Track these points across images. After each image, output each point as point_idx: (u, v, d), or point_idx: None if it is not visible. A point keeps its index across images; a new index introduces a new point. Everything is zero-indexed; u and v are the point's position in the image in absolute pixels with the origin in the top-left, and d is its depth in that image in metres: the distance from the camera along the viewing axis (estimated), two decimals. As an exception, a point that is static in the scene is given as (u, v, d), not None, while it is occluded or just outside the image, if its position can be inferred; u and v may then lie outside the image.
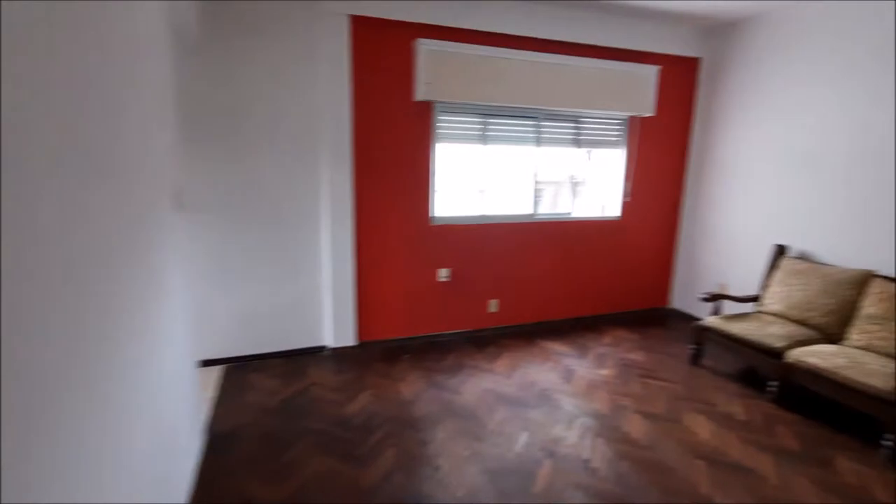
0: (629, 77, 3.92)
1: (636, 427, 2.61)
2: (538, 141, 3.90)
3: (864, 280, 3.01)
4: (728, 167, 4.07)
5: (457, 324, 3.91)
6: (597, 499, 2.04)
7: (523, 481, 2.15)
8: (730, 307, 3.63)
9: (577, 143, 4.06)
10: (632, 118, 4.13)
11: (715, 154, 4.18)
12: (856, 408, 2.51)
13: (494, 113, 3.70)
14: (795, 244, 3.53)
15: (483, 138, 3.72)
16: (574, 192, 4.17)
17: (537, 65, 3.62)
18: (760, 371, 3.07)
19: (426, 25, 3.33)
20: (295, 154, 3.26)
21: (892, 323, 2.73)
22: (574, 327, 4.17)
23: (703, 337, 3.39)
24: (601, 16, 3.71)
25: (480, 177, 3.81)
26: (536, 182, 3.96)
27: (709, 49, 4.15)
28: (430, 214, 3.65)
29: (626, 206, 4.29)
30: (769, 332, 3.01)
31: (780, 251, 3.56)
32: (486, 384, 3.08)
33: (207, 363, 3.23)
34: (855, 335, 2.89)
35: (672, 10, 3.60)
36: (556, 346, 3.74)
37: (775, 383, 2.92)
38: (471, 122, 3.68)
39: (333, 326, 3.49)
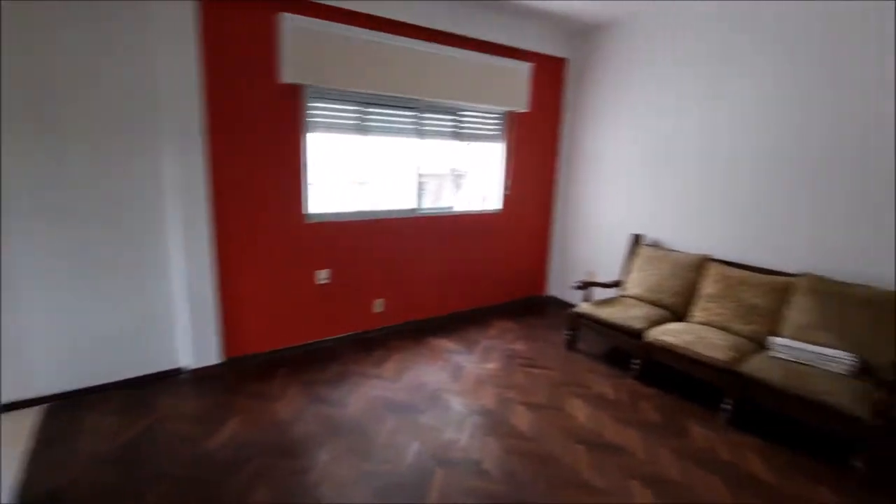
0: (505, 73, 3.98)
1: (522, 419, 2.66)
2: (420, 133, 3.77)
3: (701, 263, 3.44)
4: (593, 162, 4.38)
5: (340, 327, 3.65)
6: (489, 501, 2.01)
7: (415, 496, 2.04)
8: (598, 293, 3.93)
9: (458, 136, 4.03)
10: (509, 113, 4.22)
11: (582, 150, 4.48)
12: (703, 378, 2.85)
13: (373, 102, 3.48)
14: (650, 233, 3.93)
15: (362, 128, 3.48)
16: (457, 186, 4.15)
17: (418, 53, 3.48)
18: (625, 350, 3.35)
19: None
20: (131, 141, 2.68)
21: (725, 300, 3.16)
22: (461, 321, 4.18)
23: (577, 323, 3.61)
24: (478, 11, 3.68)
25: (360, 170, 3.57)
26: (419, 175, 3.85)
27: (574, 50, 4.40)
28: (304, 211, 3.32)
29: (507, 199, 4.39)
30: (631, 315, 3.30)
31: (637, 240, 3.93)
32: (374, 392, 2.91)
33: (18, 406, 2.55)
34: (697, 312, 3.30)
35: (541, 9, 3.71)
36: (445, 343, 3.71)
37: (638, 361, 3.21)
38: (347, 111, 3.41)
39: (192, 343, 3.00)
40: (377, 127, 3.57)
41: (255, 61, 2.94)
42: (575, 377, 3.22)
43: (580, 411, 2.78)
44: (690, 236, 3.66)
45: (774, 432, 2.62)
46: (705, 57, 3.44)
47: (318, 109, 3.28)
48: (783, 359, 2.65)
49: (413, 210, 3.87)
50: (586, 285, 3.73)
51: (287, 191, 3.22)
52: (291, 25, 2.97)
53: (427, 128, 3.81)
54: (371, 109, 3.49)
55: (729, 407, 2.73)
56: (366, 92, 3.33)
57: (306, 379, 3.03)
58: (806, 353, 2.61)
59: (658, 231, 3.88)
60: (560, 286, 4.83)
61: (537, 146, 4.52)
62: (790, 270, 3.06)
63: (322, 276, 3.46)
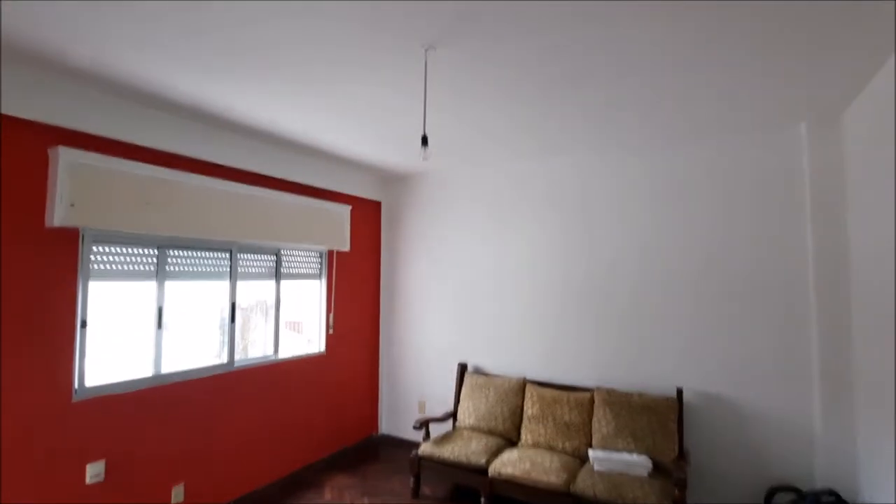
0: (325, 214, 4.04)
1: None
2: (233, 275, 3.41)
3: (521, 386, 3.79)
4: (413, 297, 4.61)
5: (117, 542, 2.67)
6: None
7: None
8: (434, 426, 3.90)
9: (277, 275, 3.78)
10: (329, 252, 4.22)
11: (401, 286, 4.70)
12: (544, 503, 2.97)
13: (176, 244, 3.05)
14: (473, 360, 4.21)
15: (161, 274, 2.97)
16: (277, 330, 3.78)
17: (231, 194, 3.26)
18: (470, 486, 3.30)
19: (71, 131, 2.53)
20: None
21: (546, 420, 3.49)
22: (290, 488, 3.54)
23: (420, 466, 3.45)
24: (296, 156, 3.77)
25: (155, 323, 2.95)
26: (232, 322, 3.39)
27: (388, 194, 4.81)
28: (73, 385, 2.51)
29: (330, 339, 4.19)
30: (472, 450, 3.33)
31: (463, 368, 4.15)
32: None
33: None
34: (526, 435, 3.54)
35: (355, 158, 4.01)
36: (271, 527, 3.04)
37: (484, 498, 3.19)
38: (142, 255, 2.89)
39: None
40: (181, 272, 3.10)
41: (13, 200, 2.31)
42: (427, 534, 2.98)
43: (442, 580, 2.53)
44: (507, 361, 4.05)
45: (610, 546, 2.83)
46: (497, 207, 4.18)
47: (103, 255, 2.70)
48: (601, 471, 2.98)
49: (226, 365, 3.32)
50: (424, 424, 3.65)
51: (49, 360, 2.42)
52: (69, 161, 2.48)
53: (243, 269, 3.49)
54: (174, 252, 3.04)
55: (570, 530, 2.88)
56: (165, 235, 2.91)
57: None
58: (615, 463, 3.00)
59: (480, 358, 4.19)
60: (394, 423, 4.64)
61: (359, 283, 4.56)
62: (589, 385, 3.61)
63: (93, 471, 2.55)
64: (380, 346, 4.76)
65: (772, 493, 2.97)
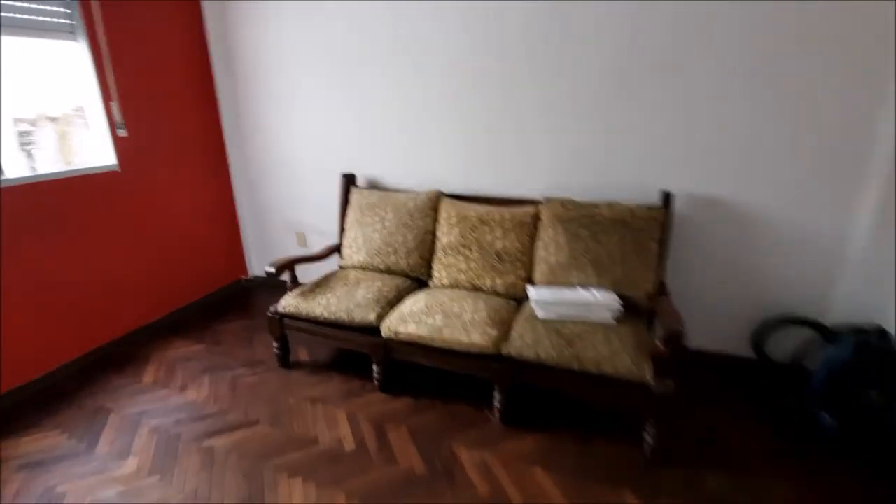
0: None
1: None
2: None
3: (433, 203, 2.52)
4: (273, 81, 2.88)
5: None
6: None
7: None
8: (315, 268, 2.70)
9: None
10: (78, -19, 2.27)
11: (248, 60, 2.90)
12: (463, 370, 2.00)
13: None
14: (363, 170, 2.82)
15: None
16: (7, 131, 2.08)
17: None
18: (361, 351, 2.26)
19: None
20: None
21: (468, 250, 2.34)
22: (84, 375, 2.34)
23: (284, 329, 2.33)
24: None
25: None
26: None
27: None
28: None
29: (125, 146, 2.55)
30: (357, 301, 2.18)
31: (349, 181, 2.77)
32: None
33: None
34: (440, 272, 2.41)
35: None
36: (30, 445, 1.89)
37: (377, 367, 2.18)
38: None
39: None
40: None
41: None
42: (293, 425, 1.97)
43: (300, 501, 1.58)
44: (415, 170, 2.70)
45: (556, 417, 2.00)
46: None
47: None
48: (547, 319, 1.97)
49: None
50: (284, 268, 2.38)
51: None
52: None
53: None
54: None
55: (499, 403, 1.98)
56: None
57: None
58: (568, 306, 1.98)
59: (375, 168, 2.80)
60: (264, 261, 3.39)
61: (164, 49, 2.72)
62: (534, 196, 2.41)
63: None
64: (228, 156, 3.18)
65: (769, 326, 2.17)
